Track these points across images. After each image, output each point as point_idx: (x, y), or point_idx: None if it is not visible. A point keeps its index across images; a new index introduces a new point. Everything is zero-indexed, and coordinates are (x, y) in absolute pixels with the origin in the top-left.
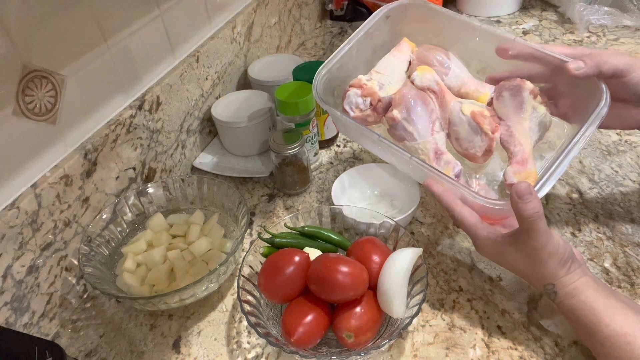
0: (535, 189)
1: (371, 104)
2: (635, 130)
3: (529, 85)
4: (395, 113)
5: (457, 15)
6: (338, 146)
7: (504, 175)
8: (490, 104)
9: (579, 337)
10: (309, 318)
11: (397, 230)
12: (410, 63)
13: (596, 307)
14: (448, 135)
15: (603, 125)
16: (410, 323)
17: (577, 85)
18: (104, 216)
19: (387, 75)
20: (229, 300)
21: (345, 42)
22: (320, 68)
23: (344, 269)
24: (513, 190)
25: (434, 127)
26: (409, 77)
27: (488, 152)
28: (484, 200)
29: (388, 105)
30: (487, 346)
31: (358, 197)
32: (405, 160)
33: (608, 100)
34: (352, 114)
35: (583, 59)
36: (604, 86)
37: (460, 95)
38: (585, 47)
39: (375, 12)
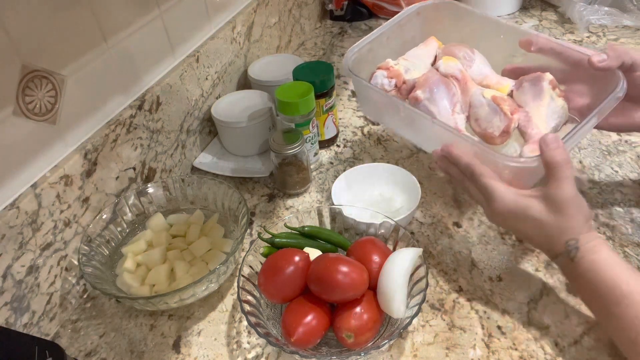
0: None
1: (396, 85)
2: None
3: (548, 76)
4: (419, 93)
5: (485, 15)
6: (338, 146)
7: (520, 154)
8: (510, 95)
9: (591, 298)
10: (309, 318)
11: (397, 230)
12: (436, 57)
13: (616, 264)
14: (467, 118)
15: (606, 125)
16: (410, 323)
17: (595, 83)
18: (104, 216)
19: (413, 62)
20: (229, 300)
21: (377, 28)
22: (352, 47)
23: (344, 269)
24: (542, 141)
25: (454, 109)
26: (433, 66)
27: (505, 133)
28: (514, 160)
29: (411, 88)
30: (487, 346)
31: (358, 197)
32: (428, 126)
33: (625, 86)
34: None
35: (605, 52)
36: (620, 73)
37: (482, 86)
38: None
39: (407, 8)
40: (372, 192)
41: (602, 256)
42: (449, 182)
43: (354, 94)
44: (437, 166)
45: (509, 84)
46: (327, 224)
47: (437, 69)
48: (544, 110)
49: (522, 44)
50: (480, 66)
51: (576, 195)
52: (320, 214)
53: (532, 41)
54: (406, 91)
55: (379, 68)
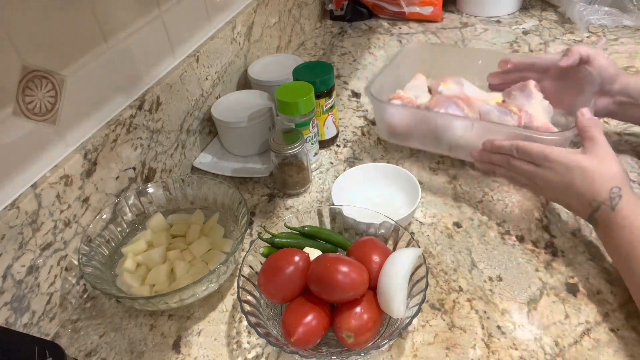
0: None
1: None
2: (635, 130)
3: (532, 81)
4: (438, 109)
5: (459, 47)
6: (338, 146)
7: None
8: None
9: (623, 249)
10: (309, 318)
11: (397, 230)
12: (429, 88)
13: None
14: None
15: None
16: (410, 323)
17: (565, 82)
18: (104, 216)
19: (416, 91)
20: (229, 300)
21: (382, 66)
22: (373, 79)
23: (344, 269)
24: (578, 112)
25: None
26: (434, 92)
27: (518, 127)
28: (556, 134)
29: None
30: (487, 346)
31: (358, 197)
32: (468, 126)
33: (597, 79)
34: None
35: (566, 54)
36: (586, 68)
37: None
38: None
39: (398, 50)
40: (372, 192)
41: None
42: (492, 173)
43: (354, 93)
44: (477, 162)
45: (498, 95)
46: (327, 224)
47: (440, 93)
48: (538, 107)
49: (500, 64)
50: (470, 88)
51: (612, 151)
52: (320, 214)
53: (508, 60)
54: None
55: (392, 99)
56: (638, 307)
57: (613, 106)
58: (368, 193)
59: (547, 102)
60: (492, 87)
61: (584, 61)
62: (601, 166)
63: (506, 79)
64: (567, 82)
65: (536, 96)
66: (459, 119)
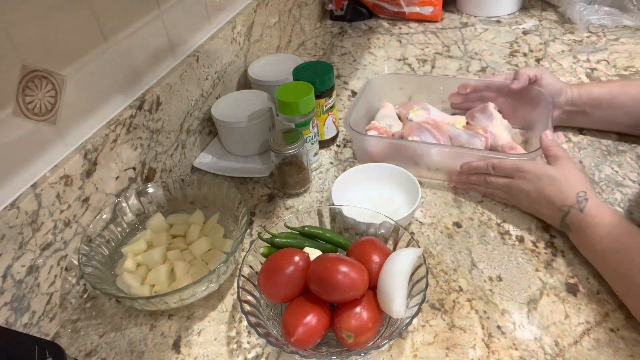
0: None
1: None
2: (635, 130)
3: (491, 104)
4: (412, 137)
5: (420, 74)
6: (338, 146)
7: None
8: (467, 124)
9: (592, 249)
10: (309, 318)
11: (397, 230)
12: (398, 115)
13: (619, 220)
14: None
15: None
16: (410, 323)
17: (520, 97)
18: (104, 216)
19: (388, 120)
20: (229, 300)
21: (354, 98)
22: (349, 113)
23: (344, 269)
24: (543, 134)
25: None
26: (404, 119)
27: (486, 149)
28: (525, 155)
29: (400, 138)
30: (487, 346)
31: (358, 197)
32: (445, 152)
33: (550, 98)
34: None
35: (517, 78)
36: (540, 90)
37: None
38: (522, 70)
39: (366, 81)
40: (372, 192)
41: (607, 211)
42: (472, 190)
43: (353, 93)
44: (458, 184)
45: (462, 118)
46: (327, 224)
47: (411, 120)
48: (499, 127)
49: (460, 89)
50: (435, 112)
51: (575, 165)
52: (320, 214)
53: (467, 84)
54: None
55: (368, 129)
56: (623, 300)
57: (562, 116)
58: (368, 193)
59: (506, 121)
60: (454, 107)
61: (532, 81)
62: (567, 175)
63: (466, 99)
64: (520, 100)
65: (496, 116)
66: (436, 147)
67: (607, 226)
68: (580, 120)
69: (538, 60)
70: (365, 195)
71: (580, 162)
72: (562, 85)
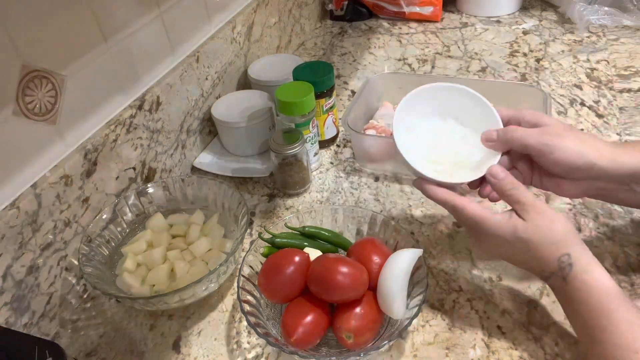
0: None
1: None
2: (636, 129)
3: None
4: None
5: (420, 74)
6: (338, 146)
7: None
8: None
9: (576, 317)
10: (308, 318)
11: (397, 230)
12: None
13: (608, 289)
14: None
15: (547, 189)
16: (410, 324)
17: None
18: (104, 216)
19: (387, 119)
20: (229, 300)
21: (353, 98)
22: (347, 111)
23: (344, 269)
24: (488, 173)
25: None
26: None
27: None
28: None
29: None
30: (487, 346)
31: (425, 136)
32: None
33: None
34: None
35: (497, 131)
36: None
37: None
38: (526, 112)
39: (365, 81)
40: (441, 129)
41: (595, 276)
42: None
43: (353, 93)
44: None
45: None
46: (327, 224)
47: None
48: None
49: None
50: None
51: (546, 209)
52: (320, 214)
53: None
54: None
55: (366, 129)
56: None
57: (591, 193)
58: (436, 129)
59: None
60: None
61: (534, 154)
62: (544, 235)
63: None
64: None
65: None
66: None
67: (595, 303)
68: (623, 198)
69: (538, 60)
70: (429, 133)
71: None
72: (586, 158)
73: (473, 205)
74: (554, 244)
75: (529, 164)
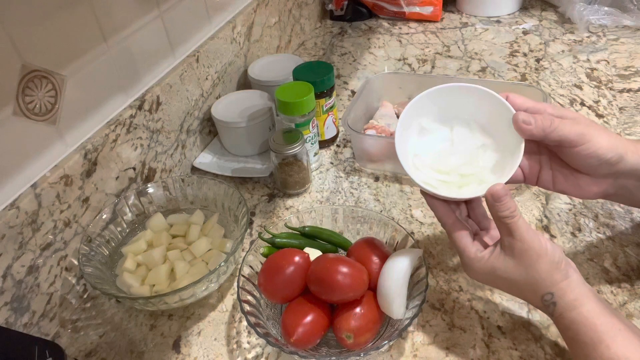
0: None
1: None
2: (636, 129)
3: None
4: None
5: (418, 74)
6: (338, 146)
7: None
8: None
9: (572, 354)
10: (308, 318)
11: (397, 230)
12: (397, 114)
13: (598, 324)
14: None
15: (561, 190)
16: (410, 324)
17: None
18: (104, 216)
19: (386, 119)
20: (229, 300)
21: (353, 98)
22: (346, 112)
23: (344, 269)
24: (488, 193)
25: None
26: None
27: None
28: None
29: None
30: (487, 346)
31: (430, 146)
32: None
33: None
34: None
35: (535, 116)
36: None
37: None
38: (547, 105)
39: (364, 81)
40: (446, 136)
41: (583, 313)
42: None
43: (353, 93)
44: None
45: None
46: (328, 224)
47: None
48: None
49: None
50: None
51: (539, 242)
52: (320, 214)
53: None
54: None
55: (366, 128)
56: None
57: (611, 191)
58: (442, 137)
59: None
60: None
61: (566, 145)
62: (526, 273)
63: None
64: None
65: None
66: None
67: (585, 339)
68: None
69: (538, 60)
70: (433, 145)
71: None
72: (617, 149)
73: (461, 233)
74: (536, 283)
75: (537, 164)
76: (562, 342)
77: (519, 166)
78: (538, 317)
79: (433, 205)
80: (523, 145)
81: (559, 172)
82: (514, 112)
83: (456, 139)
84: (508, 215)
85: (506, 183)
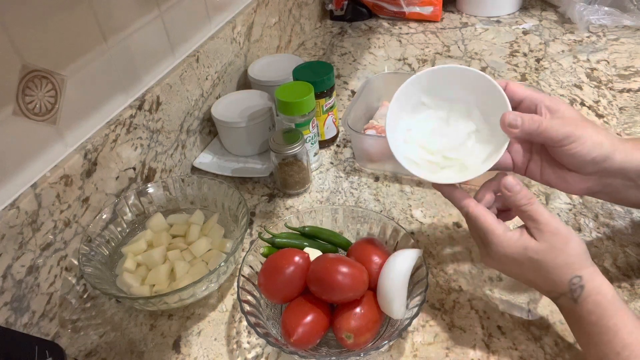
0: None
1: None
2: (636, 129)
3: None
4: None
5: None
6: (338, 146)
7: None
8: None
9: (588, 340)
10: (308, 318)
11: (397, 230)
12: None
13: (620, 310)
14: None
15: (547, 183)
16: (410, 324)
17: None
18: (104, 216)
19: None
20: (229, 300)
21: (353, 98)
22: (347, 112)
23: (344, 269)
24: (502, 186)
25: None
26: None
27: None
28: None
29: None
30: (487, 346)
31: (419, 128)
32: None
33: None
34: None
35: (523, 118)
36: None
37: None
38: (544, 96)
39: (364, 81)
40: (435, 118)
41: (607, 298)
42: None
43: (353, 93)
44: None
45: None
46: (328, 224)
47: None
48: None
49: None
50: None
51: (564, 226)
52: (320, 214)
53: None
54: None
55: (367, 128)
56: None
57: (598, 189)
58: (430, 119)
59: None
60: None
61: (552, 145)
62: (556, 255)
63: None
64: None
65: None
66: None
67: (606, 327)
68: (626, 196)
69: (538, 60)
70: (427, 123)
71: None
72: (603, 149)
73: (489, 216)
74: (566, 266)
75: (527, 153)
76: (562, 342)
77: (510, 155)
78: (538, 317)
79: (452, 195)
80: (507, 143)
81: (548, 165)
82: (509, 108)
83: (452, 120)
84: (526, 202)
85: (494, 169)
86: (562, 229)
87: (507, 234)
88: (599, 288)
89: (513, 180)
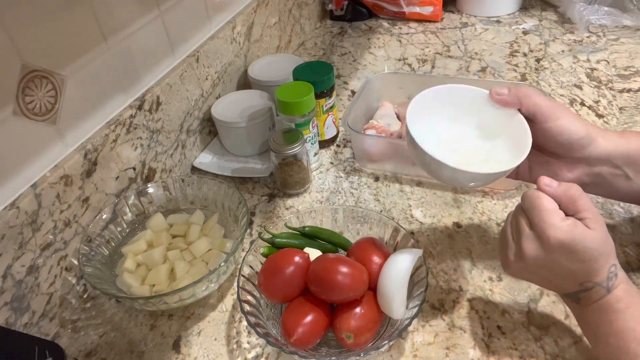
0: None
1: None
2: (636, 129)
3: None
4: None
5: (418, 74)
6: (338, 146)
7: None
8: None
9: (612, 332)
10: (308, 318)
11: (397, 230)
12: (397, 114)
13: None
14: None
15: (529, 179)
16: (410, 324)
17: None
18: (104, 216)
19: (386, 119)
20: (229, 300)
21: (353, 98)
22: (347, 112)
23: (344, 269)
24: (542, 184)
25: None
26: (402, 118)
27: None
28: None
29: (398, 137)
30: (487, 346)
31: (443, 132)
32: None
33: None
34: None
35: (509, 87)
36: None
37: None
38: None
39: (364, 81)
40: (459, 127)
41: (633, 287)
42: None
43: (353, 93)
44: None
45: None
46: (328, 224)
47: None
48: None
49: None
50: None
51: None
52: (320, 214)
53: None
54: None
55: (367, 129)
56: None
57: (585, 179)
58: (454, 127)
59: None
60: None
61: (539, 117)
62: (605, 245)
63: None
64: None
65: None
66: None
67: (631, 315)
68: (617, 188)
69: (538, 60)
70: (450, 130)
71: None
72: (589, 130)
73: (552, 201)
74: (610, 254)
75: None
76: (561, 342)
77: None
78: (538, 317)
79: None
80: (528, 150)
81: (535, 161)
82: (528, 132)
83: (465, 140)
84: (579, 195)
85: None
86: (600, 217)
87: (566, 220)
88: (625, 277)
89: (547, 178)
